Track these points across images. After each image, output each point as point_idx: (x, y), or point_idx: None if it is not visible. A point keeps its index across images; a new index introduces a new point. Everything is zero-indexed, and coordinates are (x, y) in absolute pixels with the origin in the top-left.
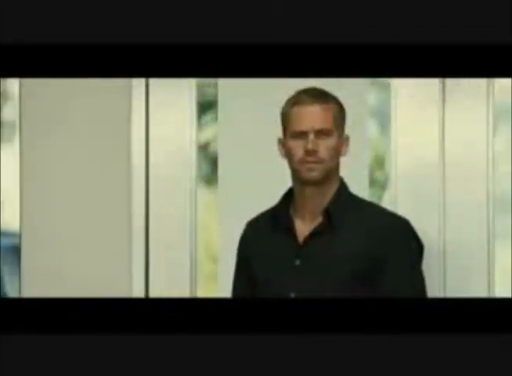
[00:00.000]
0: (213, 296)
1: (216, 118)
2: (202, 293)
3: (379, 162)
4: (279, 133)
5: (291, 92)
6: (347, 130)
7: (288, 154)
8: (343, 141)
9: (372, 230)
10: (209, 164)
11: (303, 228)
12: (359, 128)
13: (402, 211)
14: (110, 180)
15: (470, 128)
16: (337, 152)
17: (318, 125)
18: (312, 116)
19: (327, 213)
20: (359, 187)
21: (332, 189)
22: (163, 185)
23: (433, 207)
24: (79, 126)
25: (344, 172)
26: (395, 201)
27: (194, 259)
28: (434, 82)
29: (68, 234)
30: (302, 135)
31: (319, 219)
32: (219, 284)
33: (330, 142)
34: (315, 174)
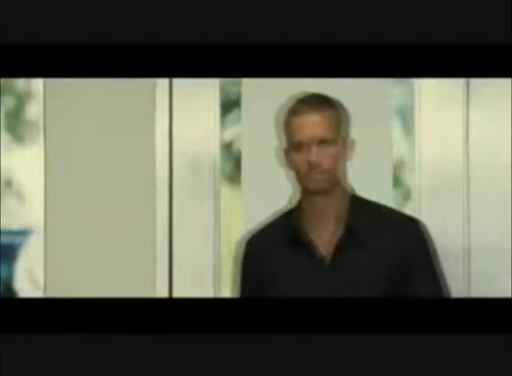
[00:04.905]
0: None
1: (240, 117)
2: (226, 293)
3: (403, 162)
4: None
5: (314, 91)
6: (371, 129)
7: (292, 167)
8: (347, 146)
9: (394, 234)
10: (233, 164)
11: (322, 241)
12: (383, 128)
13: (426, 211)
14: (134, 179)
15: (494, 127)
16: (341, 159)
17: (319, 135)
18: (312, 125)
19: (347, 225)
20: (383, 187)
21: (342, 196)
22: (186, 184)
23: (457, 207)
24: (103, 126)
25: (367, 172)
26: (419, 201)
27: (218, 259)
28: (458, 81)
29: (92, 234)
30: (304, 146)
31: (337, 230)
32: None
33: (334, 150)
34: (321, 185)
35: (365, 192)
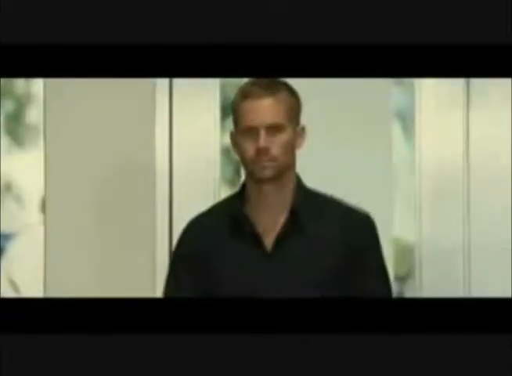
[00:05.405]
0: None
1: None
2: None
3: (403, 163)
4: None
5: (316, 92)
6: (371, 131)
7: (239, 152)
8: (298, 133)
9: (341, 224)
10: (232, 167)
11: (267, 230)
12: (383, 129)
13: (426, 212)
14: (134, 182)
15: (494, 128)
16: (291, 146)
17: (269, 120)
18: (263, 110)
19: (291, 212)
20: (383, 188)
21: (289, 185)
22: (186, 187)
23: (457, 208)
24: (103, 127)
25: (367, 174)
26: (420, 203)
27: None
28: (458, 81)
29: (92, 234)
30: (253, 130)
31: (282, 219)
32: None
33: (283, 137)
34: (269, 172)
35: (365, 193)
